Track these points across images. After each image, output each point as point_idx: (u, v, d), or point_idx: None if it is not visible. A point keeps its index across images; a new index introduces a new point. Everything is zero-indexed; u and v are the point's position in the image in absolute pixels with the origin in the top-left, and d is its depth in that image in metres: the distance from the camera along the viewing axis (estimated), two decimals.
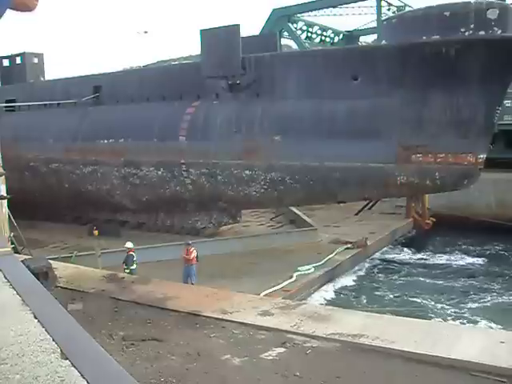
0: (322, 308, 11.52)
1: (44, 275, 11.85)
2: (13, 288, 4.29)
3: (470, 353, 8.35)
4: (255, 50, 23.27)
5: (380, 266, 23.68)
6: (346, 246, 22.89)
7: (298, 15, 50.86)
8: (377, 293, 20.61)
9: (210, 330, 9.83)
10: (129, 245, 18.15)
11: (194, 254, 18.05)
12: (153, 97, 25.11)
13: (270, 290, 17.95)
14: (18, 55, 31.22)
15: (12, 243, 20.37)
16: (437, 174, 20.19)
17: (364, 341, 8.96)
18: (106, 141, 25.53)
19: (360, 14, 51.90)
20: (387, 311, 18.02)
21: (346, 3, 49.17)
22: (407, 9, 49.05)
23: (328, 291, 20.33)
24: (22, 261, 10.22)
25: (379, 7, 47.69)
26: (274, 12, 49.58)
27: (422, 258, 24.86)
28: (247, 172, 22.65)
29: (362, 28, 53.69)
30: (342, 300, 19.60)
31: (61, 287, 12.41)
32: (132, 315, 10.73)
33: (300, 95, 22.04)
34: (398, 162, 20.57)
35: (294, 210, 28.07)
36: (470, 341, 8.99)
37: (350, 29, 54.56)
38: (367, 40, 55.13)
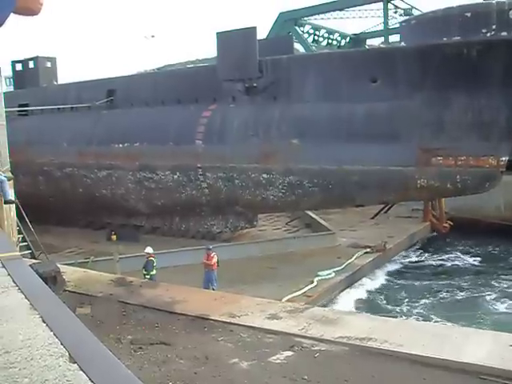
0: (330, 311, 11.57)
1: (52, 279, 11.88)
2: (21, 292, 4.32)
3: (479, 356, 8.26)
4: (271, 52, 23.10)
5: (400, 271, 23.38)
6: (365, 251, 22.59)
7: (305, 18, 50.80)
8: (399, 297, 20.29)
9: (218, 333, 9.81)
10: (149, 250, 17.87)
11: (215, 259, 17.81)
12: (168, 100, 24.92)
13: (292, 296, 17.65)
14: (30, 59, 31.06)
15: (29, 248, 20.26)
16: (458, 177, 19.94)
17: (372, 344, 8.90)
18: (120, 145, 25.33)
19: (367, 17, 51.95)
20: (410, 317, 17.92)
21: (353, 6, 49.03)
22: (414, 11, 49.19)
23: (349, 296, 20.03)
24: (31, 265, 10.21)
25: (386, 10, 47.75)
26: (280, 15, 49.56)
27: (442, 262, 24.52)
28: (265, 176, 22.43)
29: (369, 31, 53.57)
30: (364, 305, 19.33)
31: (69, 291, 12.41)
32: (140, 319, 10.70)
33: (318, 98, 21.83)
34: (418, 165, 20.32)
35: (310, 213, 27.81)
36: (479, 344, 8.91)
37: (357, 32, 54.44)
38: (374, 43, 55.13)
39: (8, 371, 2.82)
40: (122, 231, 23.15)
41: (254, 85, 22.89)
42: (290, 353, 8.87)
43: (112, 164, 25.61)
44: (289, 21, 49.13)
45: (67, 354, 2.94)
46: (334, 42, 54.35)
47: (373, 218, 28.49)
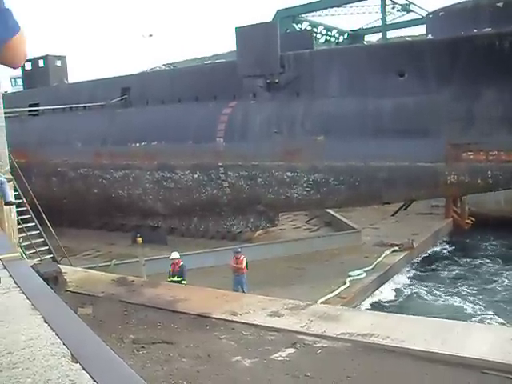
0: (332, 308, 11.53)
1: (54, 280, 11.86)
2: (23, 293, 4.32)
3: (481, 350, 8.25)
4: (289, 47, 22.52)
5: (429, 268, 22.86)
6: (392, 249, 22.05)
7: (303, 15, 50.45)
8: (433, 297, 19.77)
9: (219, 331, 9.76)
10: (175, 255, 16.92)
11: (244, 263, 17.22)
12: (185, 98, 24.28)
13: (326, 298, 17.16)
14: (40, 58, 30.36)
15: (50, 252, 19.67)
16: (489, 172, 19.37)
17: (374, 340, 8.90)
18: (137, 144, 24.67)
19: (364, 13, 51.70)
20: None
21: (350, 2, 48.84)
22: (412, 7, 49.00)
23: (381, 297, 19.52)
24: (32, 266, 10.11)
25: (383, 6, 47.53)
26: (278, 13, 49.29)
27: (468, 259, 23.97)
28: (289, 174, 21.85)
29: (367, 27, 53.29)
30: (398, 306, 18.82)
31: (70, 291, 12.31)
32: (142, 318, 10.64)
33: (343, 93, 21.26)
34: (447, 160, 19.77)
35: (330, 211, 27.24)
36: (480, 338, 8.90)
37: (355, 28, 54.11)
38: (372, 39, 54.91)
39: (11, 371, 2.82)
40: (148, 234, 22.49)
41: (276, 80, 22.28)
42: (292, 350, 8.85)
43: (129, 164, 24.95)
44: (286, 18, 48.65)
45: (69, 353, 2.93)
46: (332, 39, 53.91)
47: (393, 215, 27.94)
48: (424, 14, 48.97)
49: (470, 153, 19.67)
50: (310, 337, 9.24)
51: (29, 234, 19.25)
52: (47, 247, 19.56)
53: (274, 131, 21.91)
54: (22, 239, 19.17)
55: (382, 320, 10.17)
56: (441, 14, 20.92)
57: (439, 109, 19.97)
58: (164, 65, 33.55)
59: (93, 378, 2.56)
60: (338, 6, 50.00)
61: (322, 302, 16.44)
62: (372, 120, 20.76)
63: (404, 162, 20.11)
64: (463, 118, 19.66)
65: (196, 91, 24.00)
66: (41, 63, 30.43)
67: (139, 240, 18.55)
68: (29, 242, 19.11)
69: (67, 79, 30.92)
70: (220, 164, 22.82)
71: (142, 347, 9.14)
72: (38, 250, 19.02)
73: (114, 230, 27.49)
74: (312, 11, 49.93)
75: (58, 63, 30.52)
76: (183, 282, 15.85)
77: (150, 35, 63.66)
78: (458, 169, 19.72)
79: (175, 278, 16.01)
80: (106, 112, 26.17)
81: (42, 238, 19.63)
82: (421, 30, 51.19)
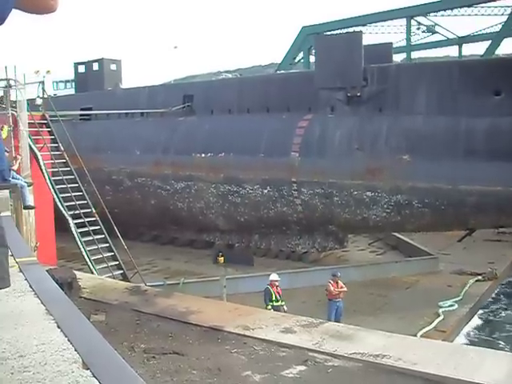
0: (345, 327, 11.06)
1: (68, 285, 11.93)
2: (37, 297, 4.35)
3: (494, 377, 8.02)
4: (367, 59, 21.37)
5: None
6: (476, 278, 20.66)
7: (327, 33, 49.91)
8: None
9: (231, 345, 9.63)
10: (275, 277, 15.51)
11: (344, 287, 15.98)
12: (255, 108, 23.08)
13: (425, 331, 15.89)
14: (95, 61, 29.29)
15: (120, 268, 18.38)
16: None
17: (386, 361, 8.72)
18: (203, 155, 23.40)
19: (389, 32, 51.37)
20: None
21: (375, 22, 48.46)
22: (437, 28, 48.36)
23: (473, 330, 18.17)
24: (47, 270, 9.62)
25: (409, 26, 47.33)
26: (303, 29, 49.33)
27: None
28: (368, 194, 20.57)
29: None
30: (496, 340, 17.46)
31: (84, 298, 12.27)
32: (154, 328, 10.58)
33: (431, 110, 20.07)
34: None
35: (396, 234, 25.85)
36: (495, 365, 8.64)
37: None
38: (396, 59, 54.26)
39: (22, 375, 2.78)
40: (231, 253, 21.08)
41: (358, 94, 21.07)
42: (303, 367, 8.74)
43: (192, 175, 23.66)
44: (311, 35, 48.29)
45: (81, 360, 2.87)
46: None
47: (460, 240, 26.54)
48: (449, 35, 48.80)
49: None
50: (322, 355, 9.10)
51: (100, 246, 17.99)
52: (117, 262, 18.23)
53: (355, 147, 20.68)
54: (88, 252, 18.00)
55: (395, 341, 9.99)
56: None
57: None
58: (227, 71, 32.42)
59: None
60: (362, 25, 49.71)
61: (422, 336, 15.24)
62: (463, 140, 19.55)
63: (496, 186, 18.90)
64: None
65: (267, 102, 22.83)
66: (95, 66, 29.37)
67: (221, 259, 17.23)
68: (100, 256, 17.82)
69: (122, 83, 29.80)
70: (293, 180, 21.54)
71: (153, 357, 9.10)
72: (109, 264, 17.72)
73: (165, 244, 26.21)
74: (337, 29, 49.51)
75: (113, 67, 29.47)
76: (284, 305, 14.81)
77: (175, 47, 63.37)
78: None
79: (280, 303, 14.94)
80: (168, 120, 24.94)
81: (112, 251, 18.32)
82: (445, 51, 50.73)
